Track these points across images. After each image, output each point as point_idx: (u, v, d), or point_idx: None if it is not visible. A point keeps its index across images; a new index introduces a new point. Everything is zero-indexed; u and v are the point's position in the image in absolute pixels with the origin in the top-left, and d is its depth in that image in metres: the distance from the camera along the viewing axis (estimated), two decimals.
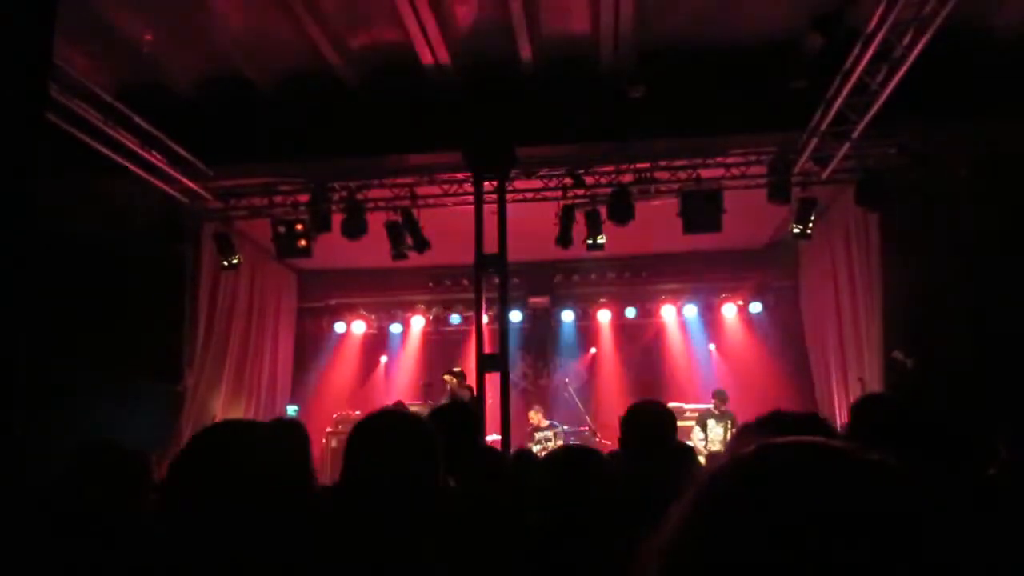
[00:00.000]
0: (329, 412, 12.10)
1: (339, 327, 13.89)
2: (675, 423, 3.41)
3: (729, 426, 10.25)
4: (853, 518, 0.61)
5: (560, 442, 10.66)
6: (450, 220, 9.65)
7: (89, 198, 8.19)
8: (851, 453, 0.67)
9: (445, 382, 10.13)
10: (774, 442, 0.70)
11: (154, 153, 8.44)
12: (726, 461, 0.70)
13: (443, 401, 9.71)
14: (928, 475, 0.68)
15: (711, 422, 10.37)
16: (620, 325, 13.47)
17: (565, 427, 11.29)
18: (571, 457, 2.44)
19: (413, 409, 10.15)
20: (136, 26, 7.52)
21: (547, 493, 2.25)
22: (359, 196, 9.66)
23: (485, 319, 8.69)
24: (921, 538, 0.62)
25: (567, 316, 13.41)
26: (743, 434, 2.00)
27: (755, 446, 0.69)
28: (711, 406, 10.58)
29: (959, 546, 0.63)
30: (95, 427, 6.54)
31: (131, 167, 8.32)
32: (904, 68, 6.63)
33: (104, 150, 7.84)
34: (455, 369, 10.39)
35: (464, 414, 3.46)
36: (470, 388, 9.22)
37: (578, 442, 10.75)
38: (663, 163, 9.23)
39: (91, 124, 7.56)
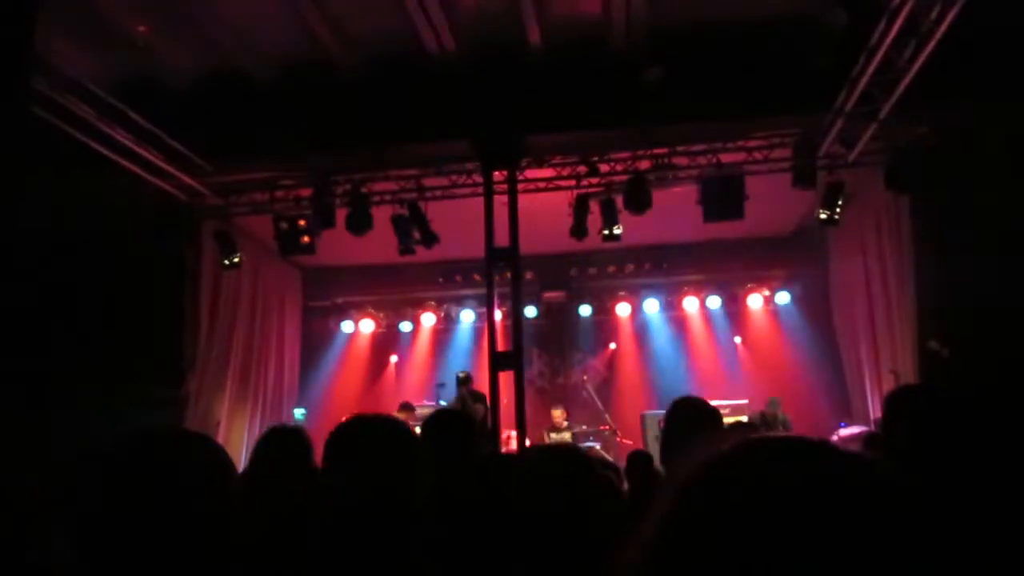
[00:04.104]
0: (338, 415, 12.07)
1: (347, 326, 13.97)
2: (719, 423, 3.32)
3: (781, 431, 10.21)
4: (821, 520, 0.63)
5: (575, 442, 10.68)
6: (459, 212, 9.68)
7: (84, 198, 8.28)
8: (824, 451, 0.70)
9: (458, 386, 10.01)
10: (747, 440, 0.72)
11: (151, 149, 8.51)
12: (699, 462, 0.72)
13: (452, 403, 9.72)
14: (909, 473, 0.70)
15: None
16: (640, 319, 13.48)
17: (583, 426, 11.29)
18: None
19: (424, 410, 10.20)
20: (130, 17, 7.59)
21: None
22: (363, 189, 9.67)
23: (498, 315, 8.70)
24: (896, 539, 0.64)
25: (584, 311, 13.40)
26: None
27: (729, 445, 0.72)
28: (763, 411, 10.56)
29: (944, 547, 0.65)
30: (95, 434, 6.63)
31: (127, 164, 8.39)
32: (932, 43, 6.59)
33: (99, 147, 7.92)
34: (460, 374, 10.22)
35: (462, 423, 3.41)
36: (484, 401, 9.02)
37: (595, 443, 10.78)
38: (681, 148, 9.20)
39: (84, 120, 7.62)
